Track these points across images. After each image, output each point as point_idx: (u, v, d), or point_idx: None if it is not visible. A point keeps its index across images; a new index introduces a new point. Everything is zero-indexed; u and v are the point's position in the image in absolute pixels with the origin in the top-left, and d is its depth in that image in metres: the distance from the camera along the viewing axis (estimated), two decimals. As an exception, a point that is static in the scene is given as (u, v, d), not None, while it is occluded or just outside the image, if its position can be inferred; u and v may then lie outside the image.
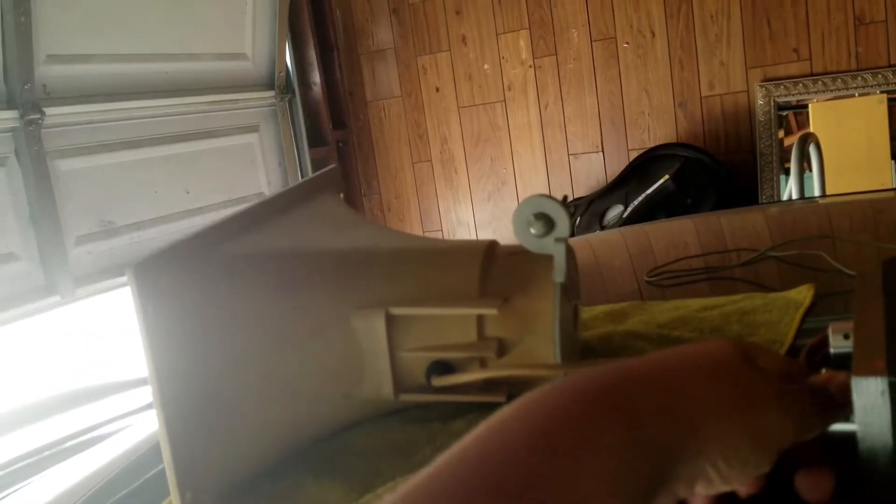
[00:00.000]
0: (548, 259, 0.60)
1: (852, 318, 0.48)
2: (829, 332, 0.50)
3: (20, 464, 0.97)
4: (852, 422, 0.38)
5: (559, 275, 0.59)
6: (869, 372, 0.37)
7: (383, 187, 3.44)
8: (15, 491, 0.86)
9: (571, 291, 0.63)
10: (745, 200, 2.78)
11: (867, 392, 0.37)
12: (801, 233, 1.17)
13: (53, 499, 0.81)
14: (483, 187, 3.28)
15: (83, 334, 2.36)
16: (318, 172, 0.76)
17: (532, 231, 0.59)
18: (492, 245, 0.64)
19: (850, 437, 0.38)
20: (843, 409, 0.39)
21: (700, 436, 0.35)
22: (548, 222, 0.58)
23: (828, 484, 0.39)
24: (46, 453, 1.00)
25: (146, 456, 0.81)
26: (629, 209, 2.82)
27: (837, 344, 0.49)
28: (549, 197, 0.58)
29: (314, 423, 0.62)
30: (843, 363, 0.47)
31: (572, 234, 0.59)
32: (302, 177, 3.04)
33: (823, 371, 0.47)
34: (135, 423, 0.99)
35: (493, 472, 0.32)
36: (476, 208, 3.30)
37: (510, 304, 0.59)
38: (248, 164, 2.86)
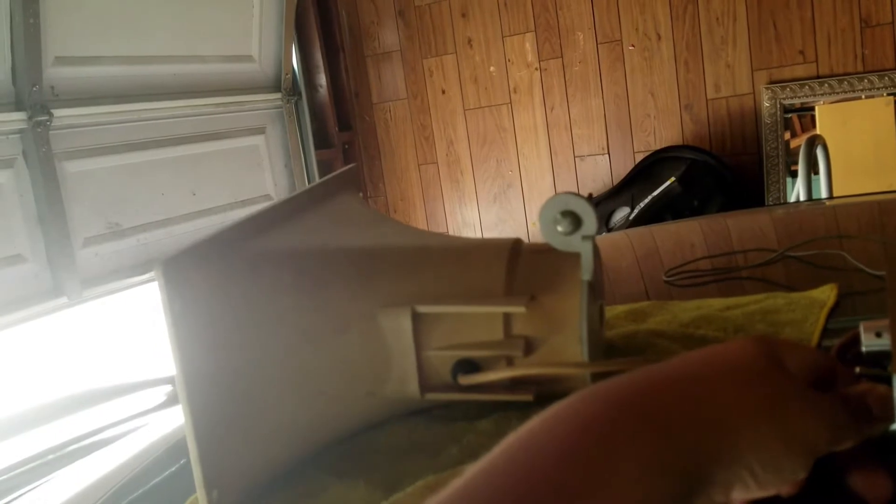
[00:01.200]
0: (574, 257, 0.60)
1: (882, 317, 0.47)
2: (861, 330, 0.49)
3: (29, 465, 0.97)
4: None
5: (587, 273, 0.58)
6: None
7: (389, 189, 3.44)
8: (24, 493, 0.85)
9: (597, 290, 0.63)
10: (752, 203, 2.78)
11: None
12: (808, 234, 1.17)
13: (67, 500, 0.80)
14: (489, 189, 3.27)
15: (91, 336, 2.36)
16: (337, 172, 0.76)
17: (559, 229, 0.59)
18: (517, 242, 0.64)
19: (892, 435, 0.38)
20: (882, 422, 0.38)
21: (731, 440, 0.35)
22: (575, 220, 0.58)
23: (887, 483, 0.38)
24: (53, 455, 0.99)
25: (160, 458, 0.80)
26: (635, 211, 2.82)
27: (870, 343, 0.49)
28: (576, 194, 0.58)
29: (339, 421, 0.62)
30: (876, 361, 0.46)
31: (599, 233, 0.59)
32: (308, 179, 3.04)
33: (857, 369, 0.47)
34: (145, 425, 0.99)
35: (520, 483, 0.32)
36: (482, 210, 3.30)
37: (537, 303, 0.59)
38: (255, 166, 2.86)
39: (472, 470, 0.34)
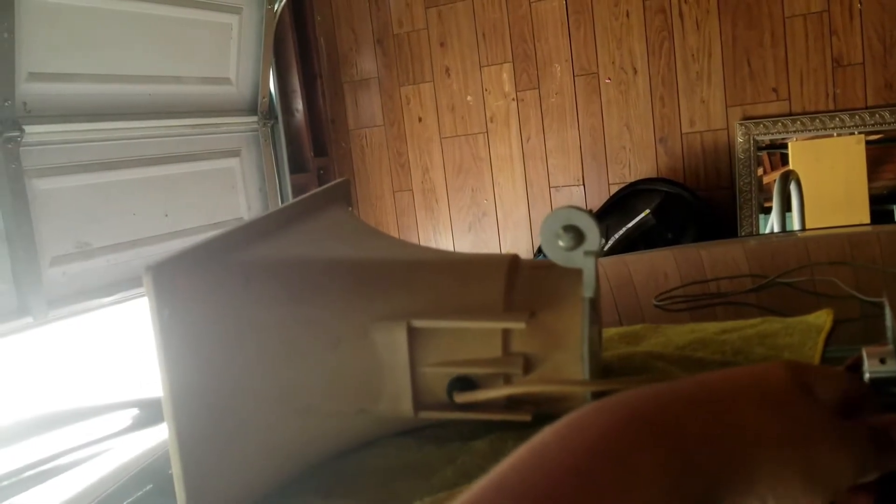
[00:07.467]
0: (574, 274, 0.58)
1: (883, 343, 0.46)
2: (864, 355, 0.48)
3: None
4: None
5: (589, 290, 0.57)
6: None
7: (363, 215, 3.42)
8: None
9: (597, 308, 0.62)
10: (725, 236, 2.80)
11: None
12: (780, 265, 1.17)
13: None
14: (464, 218, 3.26)
15: (57, 357, 2.31)
16: (328, 184, 0.74)
17: (560, 244, 0.57)
18: (515, 258, 0.62)
19: None
20: None
21: (748, 469, 0.33)
22: (577, 235, 0.57)
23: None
24: (8, 482, 0.95)
25: (126, 484, 0.77)
26: (610, 243, 2.83)
27: (875, 369, 0.47)
28: (580, 208, 0.56)
29: (328, 439, 0.59)
30: (881, 387, 0.45)
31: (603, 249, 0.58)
32: (282, 203, 3.01)
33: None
34: (109, 450, 0.95)
35: (532, 501, 0.31)
36: (456, 238, 3.29)
37: (537, 319, 0.57)
38: (229, 189, 2.83)
39: (480, 485, 0.32)
